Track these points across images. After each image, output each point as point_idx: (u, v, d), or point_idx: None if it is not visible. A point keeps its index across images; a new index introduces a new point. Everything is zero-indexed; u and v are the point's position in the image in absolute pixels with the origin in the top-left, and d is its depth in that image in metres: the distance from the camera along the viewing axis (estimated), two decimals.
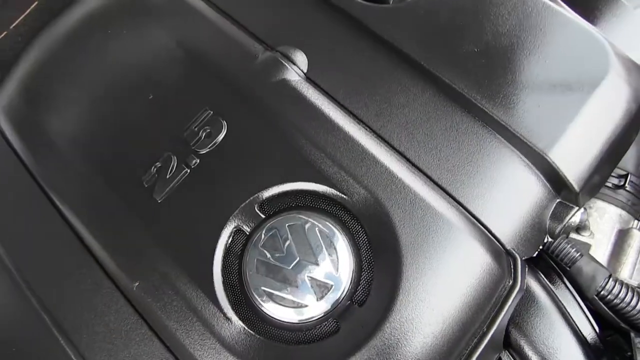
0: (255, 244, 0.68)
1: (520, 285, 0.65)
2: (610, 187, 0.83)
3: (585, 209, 0.76)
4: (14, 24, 1.12)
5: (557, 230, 0.69)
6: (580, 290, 0.71)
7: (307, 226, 0.67)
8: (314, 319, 0.65)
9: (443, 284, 0.64)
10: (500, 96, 0.69)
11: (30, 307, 0.76)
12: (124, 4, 0.94)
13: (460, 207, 0.67)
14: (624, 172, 0.83)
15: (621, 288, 0.70)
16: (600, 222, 0.81)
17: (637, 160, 0.85)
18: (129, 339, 0.71)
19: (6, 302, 0.79)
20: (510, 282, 0.65)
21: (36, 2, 1.12)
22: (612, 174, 0.84)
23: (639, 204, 0.83)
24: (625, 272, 0.79)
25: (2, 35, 1.12)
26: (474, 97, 0.70)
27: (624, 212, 0.83)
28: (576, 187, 0.67)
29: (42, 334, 0.75)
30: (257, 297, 0.66)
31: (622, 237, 0.81)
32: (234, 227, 0.69)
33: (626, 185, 0.82)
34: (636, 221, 0.83)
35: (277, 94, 0.74)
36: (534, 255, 0.69)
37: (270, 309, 0.66)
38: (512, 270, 0.66)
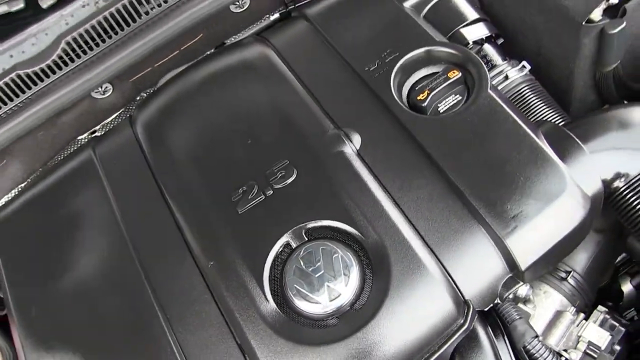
0: (296, 256, 1.00)
1: (468, 326, 0.94)
2: (557, 278, 1.11)
3: (532, 287, 1.05)
4: (158, 63, 1.50)
5: (505, 296, 0.98)
6: (513, 343, 0.99)
7: (334, 254, 0.99)
8: (323, 313, 0.96)
9: (414, 310, 0.94)
10: (484, 195, 1.00)
11: (134, 266, 1.10)
12: (239, 69, 1.30)
13: (440, 263, 0.97)
14: (570, 269, 1.11)
15: (542, 347, 0.98)
16: (545, 302, 1.09)
17: (585, 264, 1.13)
18: (195, 300, 1.03)
19: (117, 260, 1.13)
20: (462, 322, 0.95)
21: (177, 52, 1.51)
22: (561, 269, 1.12)
23: (577, 295, 1.11)
24: (552, 340, 1.06)
25: (147, 70, 1.50)
26: (466, 192, 1.00)
27: (564, 299, 1.11)
28: (522, 267, 0.97)
29: (136, 285, 1.08)
30: (289, 290, 0.98)
31: (558, 316, 1.08)
32: (285, 242, 1.02)
33: (569, 279, 1.10)
34: (572, 307, 1.10)
35: (335, 161, 1.07)
36: (485, 309, 0.98)
37: (297, 300, 0.97)
38: (465, 314, 0.95)
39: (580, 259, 1.13)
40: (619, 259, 1.27)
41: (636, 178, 1.04)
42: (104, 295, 1.11)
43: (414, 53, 1.17)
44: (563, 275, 1.10)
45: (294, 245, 1.01)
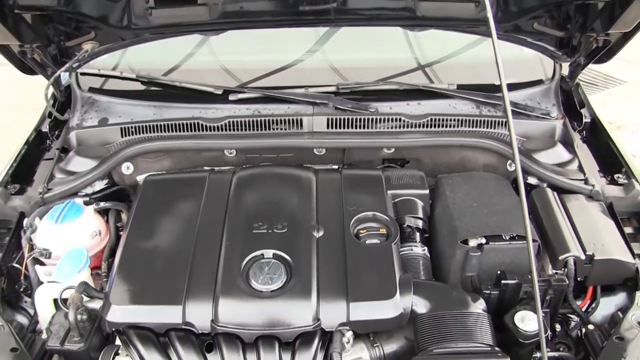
0: (262, 260, 2.10)
1: (311, 331, 1.96)
2: (371, 344, 2.06)
3: (355, 336, 2.04)
4: (264, 155, 2.72)
5: (338, 330, 1.98)
6: (328, 349, 1.97)
7: (278, 269, 2.07)
8: (256, 288, 2.02)
9: (294, 308, 1.98)
10: (356, 282, 2.03)
11: (192, 238, 2.23)
12: (296, 177, 2.48)
13: (317, 298, 2.00)
14: (379, 344, 2.07)
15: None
16: (358, 351, 2.06)
17: (391, 349, 2.08)
18: (210, 252, 2.15)
19: (185, 230, 2.28)
20: (310, 328, 1.96)
21: (276, 155, 2.72)
22: (377, 340, 2.08)
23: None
24: None
25: (257, 155, 2.72)
26: (349, 275, 2.05)
27: (367, 356, 2.06)
28: (350, 319, 1.98)
29: (188, 245, 2.21)
30: (250, 272, 2.07)
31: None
32: (261, 252, 2.12)
33: (376, 348, 2.05)
34: None
35: (305, 235, 2.20)
36: (327, 330, 1.99)
37: (251, 277, 2.05)
38: (315, 326, 1.97)
39: (390, 345, 2.09)
40: None
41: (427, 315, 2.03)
42: (171, 243, 2.23)
43: (370, 213, 2.30)
44: (376, 344, 2.07)
45: (265, 256, 2.12)
